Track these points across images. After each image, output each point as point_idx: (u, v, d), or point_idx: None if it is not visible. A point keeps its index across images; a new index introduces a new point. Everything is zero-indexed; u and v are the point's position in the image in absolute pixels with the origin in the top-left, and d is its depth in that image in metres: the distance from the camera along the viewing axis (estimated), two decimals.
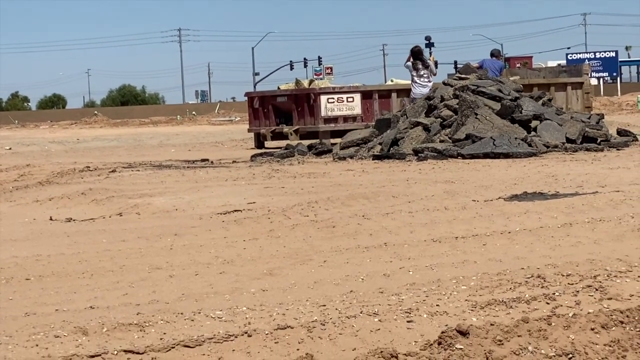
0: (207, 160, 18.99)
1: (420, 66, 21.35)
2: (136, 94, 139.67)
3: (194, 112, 71.69)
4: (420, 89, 20.94)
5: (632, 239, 7.45)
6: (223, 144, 28.39)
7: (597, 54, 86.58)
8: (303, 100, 24.48)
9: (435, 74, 21.89)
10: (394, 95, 24.66)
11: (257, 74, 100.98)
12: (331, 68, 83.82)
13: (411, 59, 21.41)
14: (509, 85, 19.26)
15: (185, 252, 7.77)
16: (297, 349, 4.71)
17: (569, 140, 17.60)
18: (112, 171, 15.81)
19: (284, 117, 25.10)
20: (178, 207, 10.78)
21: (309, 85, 26.87)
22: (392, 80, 29.06)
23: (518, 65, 70.25)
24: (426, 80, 21.38)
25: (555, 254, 6.96)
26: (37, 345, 4.78)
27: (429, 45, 22.56)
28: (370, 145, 18.04)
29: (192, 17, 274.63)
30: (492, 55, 23.55)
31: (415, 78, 21.35)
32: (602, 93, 70.74)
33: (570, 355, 4.60)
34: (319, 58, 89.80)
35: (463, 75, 19.77)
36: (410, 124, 17.97)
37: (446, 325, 4.86)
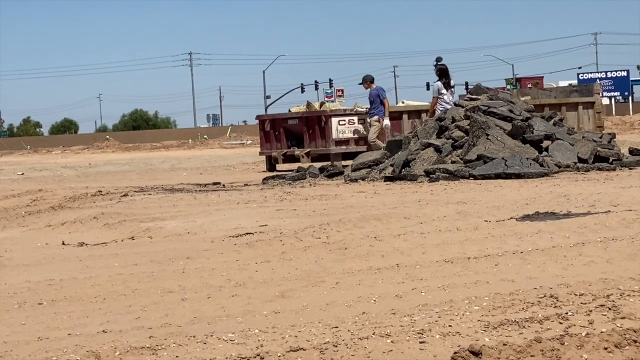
0: (219, 183, 19.01)
1: (447, 85, 21.26)
2: (148, 119, 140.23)
3: (205, 136, 71.87)
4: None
5: None
6: (235, 167, 28.43)
7: (608, 73, 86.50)
8: (314, 123, 24.50)
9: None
10: (405, 116, 24.66)
11: (268, 96, 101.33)
12: (342, 90, 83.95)
13: (439, 78, 21.27)
14: (520, 106, 19.27)
15: (197, 275, 7.77)
16: None
17: (580, 160, 17.58)
18: (124, 195, 15.84)
19: (295, 140, 25.13)
20: (190, 231, 10.79)
21: (320, 107, 26.90)
22: (403, 102, 29.07)
23: (529, 85, 70.34)
24: (450, 99, 21.34)
25: (568, 273, 6.95)
26: None
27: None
28: (381, 167, 18.04)
29: (203, 41, 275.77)
30: (368, 81, 23.48)
31: (445, 97, 21.20)
32: (614, 112, 70.71)
33: None
34: (330, 80, 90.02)
35: (474, 96, 19.77)
36: (422, 145, 17.98)
37: (459, 346, 4.85)
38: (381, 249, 8.54)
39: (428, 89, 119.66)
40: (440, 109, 20.92)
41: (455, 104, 19.72)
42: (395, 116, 24.89)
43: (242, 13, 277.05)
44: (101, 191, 17.02)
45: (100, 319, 6.23)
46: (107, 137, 74.40)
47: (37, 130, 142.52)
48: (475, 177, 16.04)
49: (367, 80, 23.54)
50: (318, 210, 12.12)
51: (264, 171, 24.93)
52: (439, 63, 21.91)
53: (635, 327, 5.01)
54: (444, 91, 21.14)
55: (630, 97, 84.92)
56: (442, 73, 21.35)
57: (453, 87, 21.45)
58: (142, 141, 71.70)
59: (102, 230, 11.47)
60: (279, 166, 25.12)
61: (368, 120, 23.29)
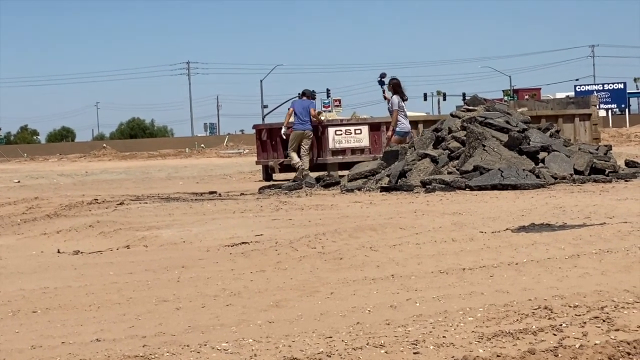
0: (215, 192, 19.00)
1: (403, 99, 21.38)
2: (145, 127, 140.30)
3: (202, 145, 71.94)
4: (408, 124, 21.04)
5: None
6: (231, 177, 28.43)
7: (605, 85, 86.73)
8: None
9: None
10: None
11: (265, 106, 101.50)
12: (340, 100, 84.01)
13: (394, 93, 21.31)
14: (517, 117, 19.29)
15: (192, 284, 7.77)
16: None
17: (576, 172, 17.60)
18: (120, 204, 15.83)
19: None
20: (185, 240, 10.79)
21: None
22: None
23: (526, 97, 70.49)
24: (406, 112, 21.47)
25: (563, 285, 6.95)
26: None
27: (382, 83, 22.26)
28: (378, 177, 18.05)
29: (201, 50, 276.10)
30: (304, 95, 23.89)
31: (406, 111, 21.35)
32: (610, 124, 70.83)
33: None
34: (327, 90, 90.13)
35: (471, 107, 19.80)
36: (418, 155, 17.99)
37: (452, 357, 4.85)
38: (376, 259, 8.54)
39: (425, 99, 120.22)
40: (408, 126, 20.98)
41: (451, 115, 19.75)
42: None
43: (239, 22, 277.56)
44: (97, 199, 17.01)
45: (94, 327, 6.22)
46: (104, 145, 74.49)
47: (34, 138, 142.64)
48: (471, 188, 16.05)
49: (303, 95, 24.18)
50: (314, 220, 12.11)
51: (260, 180, 24.94)
52: (390, 78, 21.85)
53: (629, 340, 5.02)
54: (402, 104, 21.19)
55: (626, 110, 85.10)
56: (397, 87, 21.34)
57: (406, 100, 21.51)
58: (139, 149, 71.73)
59: (98, 239, 11.47)
60: (276, 175, 25.12)
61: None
